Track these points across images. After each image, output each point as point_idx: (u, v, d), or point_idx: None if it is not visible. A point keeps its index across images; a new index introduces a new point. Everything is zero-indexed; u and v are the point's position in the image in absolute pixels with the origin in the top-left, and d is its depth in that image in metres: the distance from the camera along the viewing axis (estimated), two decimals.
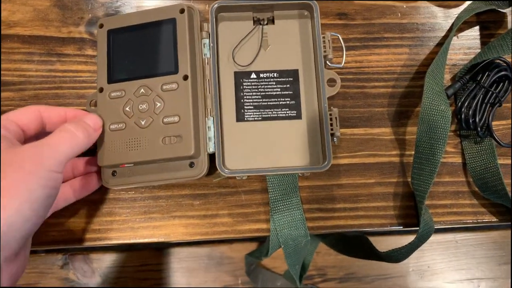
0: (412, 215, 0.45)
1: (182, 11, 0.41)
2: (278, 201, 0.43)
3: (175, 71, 0.40)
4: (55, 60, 0.47)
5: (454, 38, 0.49)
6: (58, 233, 0.43)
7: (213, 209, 0.44)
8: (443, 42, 0.49)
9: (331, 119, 0.41)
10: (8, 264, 0.33)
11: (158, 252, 0.82)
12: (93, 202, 0.44)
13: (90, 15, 0.48)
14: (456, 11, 0.50)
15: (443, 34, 0.50)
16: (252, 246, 0.81)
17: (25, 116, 0.38)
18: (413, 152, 0.46)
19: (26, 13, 0.48)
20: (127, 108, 0.40)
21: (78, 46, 0.47)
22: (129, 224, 0.43)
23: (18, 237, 0.32)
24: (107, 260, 0.81)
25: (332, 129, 0.41)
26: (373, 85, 0.48)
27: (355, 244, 0.57)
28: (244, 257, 0.78)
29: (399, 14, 0.50)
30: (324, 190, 0.45)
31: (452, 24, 0.50)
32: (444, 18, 0.50)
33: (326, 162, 0.39)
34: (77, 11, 0.48)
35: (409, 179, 0.45)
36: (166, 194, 0.44)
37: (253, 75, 0.43)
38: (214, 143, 0.40)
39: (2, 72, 0.46)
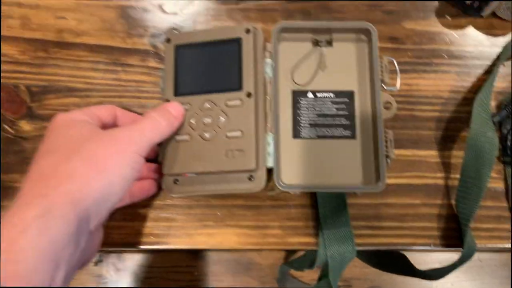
0: (454, 236, 0.46)
1: (248, 31, 0.43)
2: (328, 217, 0.44)
3: (239, 88, 0.41)
4: (120, 70, 0.48)
5: (501, 66, 0.51)
6: (118, 236, 0.45)
7: (265, 220, 0.46)
8: (490, 70, 0.50)
9: (386, 141, 0.42)
10: (95, 233, 0.35)
11: (190, 255, 0.84)
12: (153, 207, 0.46)
13: (153, 28, 0.50)
14: (503, 40, 0.51)
15: (489, 62, 0.51)
16: (280, 255, 0.83)
17: (104, 111, 0.41)
18: (458, 176, 0.47)
19: (94, 23, 0.50)
20: (192, 121, 0.42)
21: (141, 57, 0.49)
22: (185, 231, 0.45)
23: (107, 207, 0.34)
24: (139, 260, 0.84)
25: (387, 151, 0.42)
26: (421, 108, 0.49)
27: (391, 259, 0.59)
28: (280, 266, 0.80)
29: (448, 41, 0.51)
30: (372, 208, 0.46)
31: (500, 53, 0.51)
32: (491, 46, 0.51)
33: (380, 183, 0.41)
34: (142, 23, 0.50)
35: (453, 202, 0.47)
36: (221, 204, 0.46)
37: (310, 94, 0.45)
38: (273, 158, 0.41)
39: (70, 79, 0.49)
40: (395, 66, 0.47)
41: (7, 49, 0.49)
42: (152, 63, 0.49)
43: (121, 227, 0.45)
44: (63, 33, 0.49)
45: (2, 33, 0.49)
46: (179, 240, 0.45)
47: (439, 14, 0.52)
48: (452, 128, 0.49)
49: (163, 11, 0.51)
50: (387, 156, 0.42)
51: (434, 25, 0.51)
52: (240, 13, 0.51)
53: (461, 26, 0.51)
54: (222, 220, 0.46)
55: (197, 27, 0.50)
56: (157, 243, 0.45)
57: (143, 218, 0.45)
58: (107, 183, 0.33)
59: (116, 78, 0.48)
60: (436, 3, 0.52)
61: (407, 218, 0.46)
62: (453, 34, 0.51)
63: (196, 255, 0.83)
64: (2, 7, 0.50)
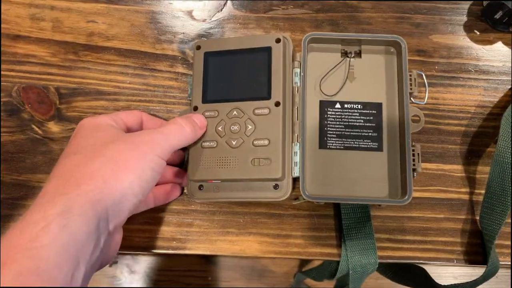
0: (478, 252, 0.46)
1: (278, 40, 0.43)
2: (351, 229, 0.44)
3: (268, 97, 0.42)
4: (148, 75, 0.49)
5: None
6: (141, 239, 0.45)
7: (287, 229, 0.46)
8: None
9: (413, 155, 0.42)
10: (114, 233, 0.36)
11: (204, 259, 0.84)
12: (176, 212, 0.46)
13: (182, 34, 0.51)
14: None
15: None
16: (295, 263, 0.83)
17: (130, 117, 0.42)
18: (482, 191, 0.47)
19: (124, 27, 0.51)
20: (219, 128, 0.42)
21: (170, 63, 0.50)
22: (207, 236, 0.45)
23: (127, 208, 0.35)
24: (153, 262, 0.84)
25: (414, 164, 0.41)
26: (447, 122, 0.49)
27: (409, 272, 0.58)
28: (296, 275, 0.80)
29: (476, 56, 0.51)
30: (395, 221, 0.46)
31: None
32: None
33: (406, 197, 0.40)
34: (171, 29, 0.51)
35: (477, 217, 0.46)
36: (243, 211, 0.46)
37: (338, 105, 0.45)
38: (299, 168, 0.41)
39: (99, 82, 0.49)
40: (423, 79, 0.46)
41: (38, 51, 0.50)
42: (180, 69, 0.49)
43: (143, 231, 0.45)
44: (94, 36, 0.50)
45: (34, 35, 0.50)
46: (201, 246, 0.45)
47: (468, 28, 0.51)
48: (478, 143, 0.49)
49: (192, 18, 0.51)
50: (414, 170, 0.41)
51: (462, 40, 0.51)
52: (268, 22, 0.51)
53: (489, 41, 0.51)
54: (244, 228, 0.46)
55: (226, 34, 0.51)
56: (179, 248, 0.45)
57: (166, 223, 0.46)
58: (127, 184, 0.33)
59: (144, 82, 0.48)
60: (465, 17, 0.52)
61: (430, 232, 0.46)
62: (481, 49, 0.51)
63: (210, 260, 0.83)
64: (35, 10, 0.51)
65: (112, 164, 0.33)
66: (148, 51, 0.49)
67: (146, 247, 0.45)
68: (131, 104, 0.48)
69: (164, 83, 0.49)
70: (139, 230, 0.45)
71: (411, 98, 0.45)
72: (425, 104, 0.47)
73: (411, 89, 0.44)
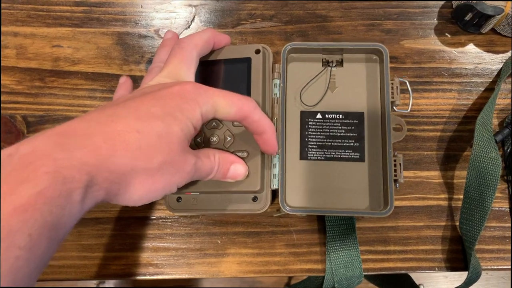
0: (459, 259, 0.45)
1: (257, 51, 0.42)
2: (336, 240, 0.44)
3: None
4: None
5: (503, 83, 0.50)
6: (117, 267, 0.44)
7: (266, 247, 0.45)
8: (492, 87, 0.50)
9: (395, 165, 0.41)
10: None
11: None
12: (151, 237, 0.45)
13: (150, 53, 0.50)
14: (504, 56, 0.51)
15: (491, 79, 0.50)
16: None
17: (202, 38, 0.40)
18: (461, 196, 0.46)
19: (90, 50, 0.50)
20: (198, 139, 0.41)
21: (138, 84, 0.49)
22: (185, 260, 0.45)
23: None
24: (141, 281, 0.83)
25: (395, 175, 0.41)
26: (423, 128, 0.49)
27: (396, 279, 0.58)
28: None
29: (448, 59, 0.50)
30: (375, 232, 0.46)
31: (501, 69, 0.50)
32: (492, 63, 0.51)
33: (388, 208, 0.40)
34: (138, 49, 0.50)
35: (457, 223, 0.46)
36: (221, 231, 0.45)
37: (319, 115, 0.44)
38: (278, 180, 0.41)
39: (67, 108, 0.48)
40: (407, 87, 0.46)
41: (3, 79, 0.49)
42: None
43: (119, 258, 0.45)
44: (59, 61, 0.49)
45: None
46: (178, 270, 0.45)
47: (439, 32, 0.51)
48: (454, 147, 0.48)
49: (160, 36, 0.50)
50: (395, 181, 0.41)
51: (434, 43, 0.50)
52: (237, 36, 0.50)
53: (461, 44, 0.51)
54: (222, 248, 0.45)
55: None
56: (156, 273, 0.44)
57: (142, 249, 0.45)
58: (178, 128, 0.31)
59: None
60: (435, 21, 0.51)
61: (411, 242, 0.46)
62: (453, 51, 0.51)
63: None
64: None
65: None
66: (116, 73, 0.49)
67: (122, 275, 0.44)
68: None
69: None
70: (115, 258, 0.44)
71: (394, 107, 0.44)
72: (409, 112, 0.46)
73: (392, 97, 0.43)
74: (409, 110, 0.45)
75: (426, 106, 0.49)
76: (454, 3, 0.51)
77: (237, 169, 0.39)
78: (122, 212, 0.46)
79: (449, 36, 0.51)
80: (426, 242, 0.46)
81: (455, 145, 0.48)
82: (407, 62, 0.50)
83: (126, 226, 0.45)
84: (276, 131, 0.43)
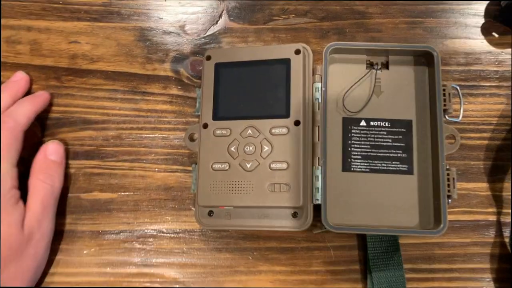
0: (509, 279, 0.42)
1: (297, 52, 0.39)
2: (378, 259, 0.40)
3: (287, 115, 0.38)
4: (139, 99, 0.45)
5: None
6: (140, 284, 0.41)
7: (301, 264, 0.42)
8: None
9: (448, 179, 0.38)
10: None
11: None
12: (177, 252, 0.42)
13: (175, 51, 0.46)
14: None
15: None
16: None
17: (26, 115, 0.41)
18: (510, 211, 0.43)
19: (110, 47, 0.46)
20: (232, 148, 0.39)
21: (163, 85, 0.45)
22: (214, 278, 0.41)
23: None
24: None
25: (448, 190, 0.38)
26: (469, 136, 0.45)
27: None
28: None
29: (496, 61, 0.47)
30: (418, 249, 0.42)
31: None
32: None
33: (441, 227, 0.37)
34: (162, 47, 0.46)
35: (507, 240, 0.42)
36: (252, 246, 0.42)
37: (363, 123, 0.41)
38: (321, 194, 0.38)
39: (85, 110, 0.45)
40: (459, 94, 0.42)
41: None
42: (175, 90, 0.45)
43: (142, 275, 0.41)
44: (77, 59, 0.46)
45: (10, 61, 0.46)
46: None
47: (485, 31, 0.47)
48: (503, 157, 0.44)
49: (185, 33, 0.47)
50: (448, 196, 0.38)
51: (480, 44, 0.47)
52: (269, 33, 0.47)
53: (510, 44, 0.47)
54: (254, 265, 0.42)
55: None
56: None
57: (167, 264, 0.42)
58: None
59: (135, 108, 0.45)
60: (482, 19, 0.47)
61: (457, 259, 0.42)
62: (502, 53, 0.47)
63: None
64: (10, 32, 0.46)
65: None
66: (138, 73, 0.45)
67: None
68: (122, 133, 0.44)
69: (158, 107, 0.45)
70: (137, 274, 0.41)
71: (445, 116, 0.40)
72: (460, 120, 0.43)
73: (445, 105, 0.40)
74: (460, 118, 0.42)
75: (473, 112, 0.45)
76: (503, 3, 0.47)
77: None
78: (144, 224, 0.42)
79: (496, 35, 0.47)
80: (473, 260, 0.42)
81: (504, 154, 0.44)
82: (451, 63, 0.46)
83: (149, 241, 0.42)
84: (318, 139, 0.39)
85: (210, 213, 0.39)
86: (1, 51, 0.45)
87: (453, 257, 0.42)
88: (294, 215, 0.38)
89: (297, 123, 0.38)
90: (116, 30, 0.46)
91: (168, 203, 0.43)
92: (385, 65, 0.42)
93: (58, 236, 0.42)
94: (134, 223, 0.42)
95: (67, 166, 0.43)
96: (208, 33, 0.47)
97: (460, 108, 0.42)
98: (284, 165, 0.37)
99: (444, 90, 0.41)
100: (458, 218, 0.43)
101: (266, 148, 0.38)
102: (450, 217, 0.43)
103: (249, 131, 0.39)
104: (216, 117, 0.40)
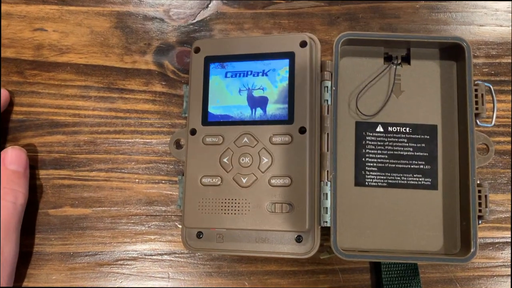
0: None
1: (303, 44, 0.35)
2: (395, 284, 0.36)
3: (290, 121, 0.34)
4: (117, 97, 0.40)
5: None
6: None
7: None
8: None
9: (479, 197, 0.34)
10: None
11: None
12: (161, 278, 0.38)
13: (159, 41, 0.41)
14: None
15: None
16: None
17: None
18: None
19: (82, 36, 0.41)
20: (225, 160, 0.34)
21: (144, 80, 0.40)
22: None
23: None
24: None
25: (480, 210, 0.34)
26: (498, 140, 0.40)
27: None
28: None
29: None
30: (438, 271, 0.38)
31: None
32: None
33: (470, 252, 0.33)
34: (144, 35, 0.41)
35: None
36: (249, 270, 0.38)
37: (380, 128, 0.37)
38: (330, 215, 0.33)
39: (53, 110, 0.40)
40: (492, 95, 0.37)
41: None
42: (158, 87, 0.40)
43: None
44: (43, 49, 0.41)
45: None
46: None
47: None
48: None
49: (170, 18, 0.42)
50: (480, 217, 0.34)
51: None
52: (268, 19, 0.41)
53: None
54: None
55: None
56: None
57: None
58: None
59: (112, 107, 0.40)
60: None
61: (483, 284, 0.38)
62: None
63: None
64: None
65: None
66: (115, 66, 0.41)
67: None
68: (97, 138, 0.40)
69: (138, 107, 0.40)
70: None
71: (477, 121, 0.36)
72: (492, 126, 0.38)
73: (477, 108, 0.36)
74: (493, 123, 0.37)
75: (503, 112, 0.41)
76: None
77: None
78: (123, 245, 0.38)
79: None
80: (501, 285, 0.38)
81: None
82: (479, 55, 0.41)
83: (129, 264, 0.38)
84: (327, 150, 0.34)
85: (199, 235, 0.35)
86: (1, 48, 0.41)
87: (479, 280, 0.38)
88: (298, 239, 0.34)
89: (302, 130, 0.34)
90: (89, 15, 0.41)
91: (151, 220, 0.39)
92: (406, 59, 0.38)
93: (22, 259, 0.38)
94: (111, 244, 0.38)
95: (32, 177, 0.38)
96: (198, 19, 0.41)
97: (493, 111, 0.37)
98: (287, 181, 0.33)
99: (476, 90, 0.36)
100: (484, 235, 0.39)
101: (265, 159, 0.34)
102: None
103: (245, 139, 0.34)
104: (206, 121, 0.35)
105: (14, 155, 0.36)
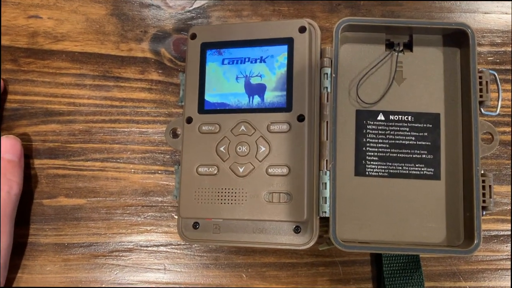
0: None
1: (302, 29, 0.34)
2: (396, 277, 0.36)
3: (288, 109, 0.33)
4: (112, 85, 0.39)
5: None
6: None
7: (304, 283, 0.37)
8: None
9: (483, 187, 0.33)
10: None
11: None
12: (157, 270, 0.37)
13: (156, 28, 0.40)
14: None
15: None
16: None
17: None
18: None
19: (77, 23, 0.40)
20: (221, 148, 0.33)
21: (140, 69, 0.40)
22: None
23: None
24: None
25: (484, 200, 0.33)
26: (503, 130, 0.39)
27: None
28: None
29: None
30: (441, 264, 0.37)
31: None
32: None
33: (474, 244, 0.32)
34: (140, 22, 0.40)
35: None
36: (246, 262, 0.37)
37: (381, 116, 0.36)
38: (329, 205, 0.33)
39: (47, 99, 0.40)
40: (496, 83, 0.36)
41: None
42: (155, 75, 0.39)
43: None
44: (38, 37, 0.40)
45: None
46: None
47: None
48: None
49: (167, 5, 0.41)
50: (484, 208, 0.33)
51: None
52: (267, 6, 0.41)
53: None
54: (248, 284, 0.37)
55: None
56: None
57: (146, 283, 0.37)
58: None
59: (107, 96, 0.39)
60: None
61: (487, 277, 0.37)
62: None
63: None
64: None
65: None
66: (111, 54, 0.40)
67: None
68: (92, 127, 0.39)
69: (134, 95, 0.39)
70: None
71: (481, 109, 0.35)
72: (497, 116, 0.37)
73: (481, 96, 0.34)
74: (497, 112, 0.36)
75: (508, 102, 0.40)
76: None
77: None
78: (118, 236, 0.37)
79: None
80: (505, 278, 0.37)
81: None
82: (483, 43, 0.40)
83: (124, 255, 0.37)
84: (326, 138, 0.33)
85: (195, 225, 0.34)
86: (1, 45, 0.40)
87: (482, 273, 0.37)
88: (296, 230, 0.33)
89: (300, 118, 0.33)
90: (84, 2, 0.41)
91: (147, 211, 0.38)
92: (408, 46, 0.37)
93: (17, 250, 0.37)
94: (106, 235, 0.38)
95: (26, 167, 0.38)
96: (195, 5, 0.41)
97: (498, 100, 0.36)
98: (285, 170, 0.32)
99: (480, 78, 0.35)
100: (488, 228, 0.38)
101: (262, 148, 0.33)
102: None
103: (242, 128, 0.34)
104: (202, 109, 0.34)
105: (8, 144, 0.35)
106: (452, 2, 0.40)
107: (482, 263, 0.37)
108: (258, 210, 0.32)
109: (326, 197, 0.33)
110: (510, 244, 0.37)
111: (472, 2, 0.40)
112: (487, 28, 0.40)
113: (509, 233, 0.38)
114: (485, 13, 0.40)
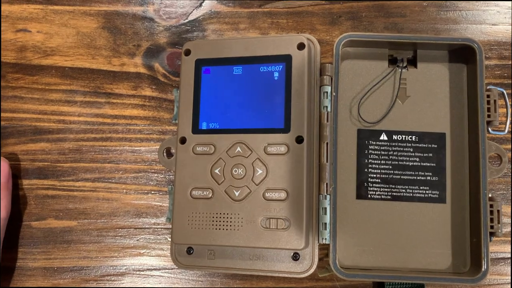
0: None
1: (301, 46, 0.33)
2: None
3: (286, 130, 0.32)
4: (104, 102, 0.39)
5: None
6: None
7: None
8: None
9: (491, 212, 0.32)
10: None
11: None
12: None
13: (149, 42, 0.39)
14: None
15: None
16: None
17: None
18: None
19: (67, 37, 0.40)
20: (216, 171, 0.33)
21: (133, 84, 0.39)
22: None
23: None
24: None
25: (492, 226, 0.32)
26: (510, 148, 0.37)
27: None
28: None
29: None
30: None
31: None
32: None
33: (481, 272, 0.31)
34: (133, 36, 0.40)
35: None
36: None
37: (383, 136, 0.35)
38: (330, 231, 0.32)
39: (37, 116, 0.39)
40: (505, 100, 0.35)
41: None
42: (148, 91, 0.39)
43: None
44: (26, 52, 0.40)
45: None
46: None
47: None
48: None
49: (161, 18, 0.40)
50: (492, 234, 0.32)
51: None
52: (266, 19, 0.40)
53: None
54: None
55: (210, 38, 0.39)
56: None
57: None
58: None
59: (98, 113, 0.39)
60: None
61: None
62: None
63: None
64: None
65: None
66: (102, 69, 0.39)
67: None
68: (82, 145, 0.39)
69: (126, 112, 0.39)
70: None
71: (488, 129, 0.34)
72: (505, 134, 0.36)
73: (489, 115, 0.33)
74: (506, 131, 0.35)
75: None
76: None
77: None
78: (109, 259, 0.37)
79: None
80: None
81: None
82: (491, 56, 0.39)
83: (117, 280, 0.36)
84: (326, 160, 0.33)
85: (189, 251, 0.34)
86: (1, 50, 0.40)
87: None
88: (295, 257, 0.32)
89: (299, 139, 0.32)
90: (75, 15, 0.40)
91: (140, 233, 0.37)
92: (412, 62, 0.36)
93: (4, 274, 0.36)
94: (97, 258, 0.37)
95: (14, 187, 0.37)
96: (190, 18, 0.40)
97: (507, 118, 0.35)
98: (283, 194, 0.32)
99: (488, 96, 0.34)
100: (495, 250, 0.36)
101: (259, 171, 0.32)
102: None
103: (238, 149, 0.33)
104: (196, 129, 0.34)
105: None
106: (458, 13, 0.39)
107: (490, 287, 0.36)
108: (254, 236, 0.31)
109: (326, 223, 0.32)
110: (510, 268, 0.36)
111: (479, 13, 0.39)
112: (495, 40, 0.39)
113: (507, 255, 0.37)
114: (493, 24, 0.39)
